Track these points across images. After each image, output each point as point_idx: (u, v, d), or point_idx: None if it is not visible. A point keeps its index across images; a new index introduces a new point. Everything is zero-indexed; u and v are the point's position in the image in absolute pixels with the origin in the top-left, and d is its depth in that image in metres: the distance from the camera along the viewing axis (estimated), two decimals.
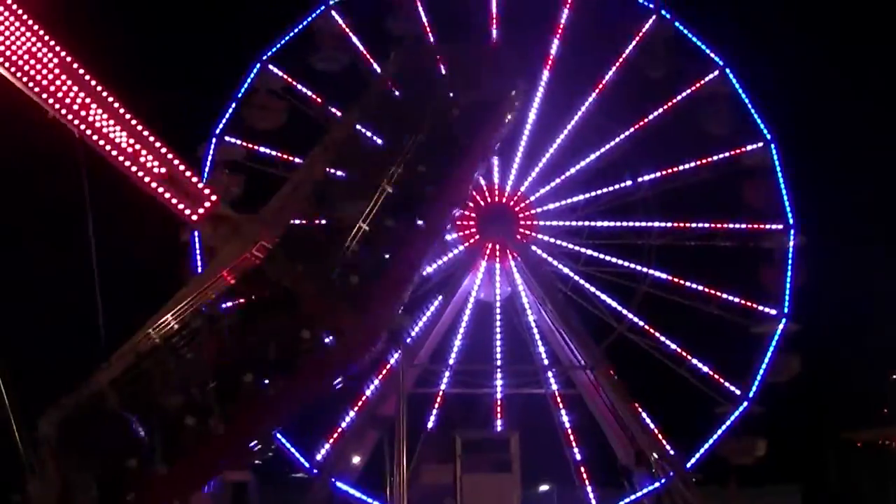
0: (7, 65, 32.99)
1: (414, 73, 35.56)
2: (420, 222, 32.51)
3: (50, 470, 30.00)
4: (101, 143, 32.67)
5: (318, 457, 47.25)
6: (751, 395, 48.45)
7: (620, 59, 51.44)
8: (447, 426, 47.53)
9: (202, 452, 30.12)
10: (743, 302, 50.02)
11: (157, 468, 29.66)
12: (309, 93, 50.85)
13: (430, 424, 48.65)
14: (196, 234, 48.31)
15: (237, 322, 31.43)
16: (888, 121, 56.65)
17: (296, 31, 50.70)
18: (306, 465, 46.90)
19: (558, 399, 49.68)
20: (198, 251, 48.34)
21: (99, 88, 33.09)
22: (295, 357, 30.54)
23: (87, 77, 33.10)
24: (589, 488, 48.15)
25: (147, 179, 32.51)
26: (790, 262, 49.48)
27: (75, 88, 32.95)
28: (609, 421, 49.02)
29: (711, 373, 49.47)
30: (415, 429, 42.89)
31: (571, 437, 48.82)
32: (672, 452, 47.73)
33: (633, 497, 47.86)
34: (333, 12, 50.87)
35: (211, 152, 49.24)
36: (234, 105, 49.86)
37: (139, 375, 30.96)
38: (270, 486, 46.25)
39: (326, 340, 30.92)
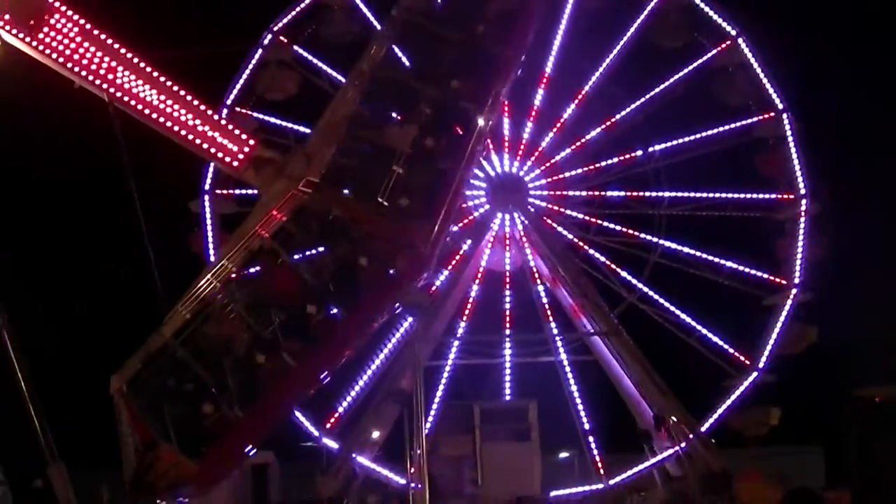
0: (28, 39, 33.68)
1: None
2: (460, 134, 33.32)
3: (125, 427, 31.05)
4: (133, 102, 33.63)
5: (327, 426, 47.90)
6: (761, 364, 48.95)
7: (633, 29, 51.73)
8: (464, 397, 48.18)
9: (275, 390, 31.38)
10: (755, 272, 50.53)
11: (233, 412, 30.92)
12: (320, 64, 51.50)
13: (438, 396, 49.04)
14: (206, 203, 49.37)
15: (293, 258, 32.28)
16: None
17: (305, 2, 51.18)
18: (315, 433, 47.50)
19: (566, 367, 50.30)
20: (209, 221, 49.20)
21: (122, 50, 33.87)
22: (355, 286, 31.39)
23: (109, 40, 33.76)
24: (597, 457, 48.82)
25: (183, 132, 33.26)
26: (802, 231, 49.77)
27: (99, 53, 33.91)
28: (626, 386, 49.66)
29: (722, 343, 50.04)
30: (432, 401, 43.75)
31: (580, 406, 49.53)
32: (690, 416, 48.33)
33: (653, 461, 48.52)
34: None
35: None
36: (244, 76, 50.49)
37: (205, 320, 31.91)
38: (291, 466, 47.10)
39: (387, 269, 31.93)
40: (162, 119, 33.44)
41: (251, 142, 33.76)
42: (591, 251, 52.31)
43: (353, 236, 31.95)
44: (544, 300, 51.79)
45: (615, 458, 49.80)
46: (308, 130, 49.04)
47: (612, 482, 48.57)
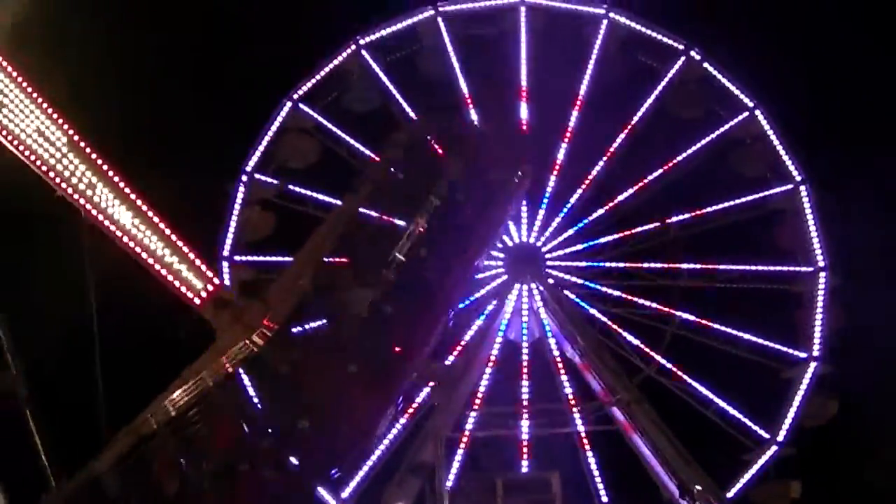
0: (16, 143, 34.15)
1: (417, 155, 36.28)
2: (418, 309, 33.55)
3: None
4: (106, 223, 33.81)
5: (344, 494, 47.91)
6: (780, 438, 49.05)
7: (650, 100, 52.59)
8: (483, 470, 47.87)
9: None
10: (773, 345, 50.66)
11: None
12: (340, 132, 52.07)
13: (457, 468, 48.95)
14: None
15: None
16: None
17: (325, 70, 52.02)
18: (333, 502, 47.46)
19: (584, 438, 50.31)
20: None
21: (105, 168, 34.42)
22: (287, 450, 31.29)
23: (94, 156, 34.30)
24: None
25: (151, 261, 33.57)
26: (821, 304, 50.05)
27: (82, 168, 34.50)
28: (649, 456, 49.49)
29: (741, 416, 50.06)
30: (452, 473, 43.81)
31: (598, 478, 49.45)
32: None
33: None
34: (364, 52, 52.13)
35: (241, 190, 50.29)
36: (264, 143, 51.08)
37: (139, 458, 31.97)
38: None
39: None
40: (132, 244, 33.97)
41: (215, 280, 33.92)
42: (609, 322, 52.36)
43: (298, 399, 31.90)
44: (562, 371, 51.76)
45: None
46: (328, 199, 50.18)
47: None
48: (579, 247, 53.06)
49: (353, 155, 51.55)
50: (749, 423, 50.05)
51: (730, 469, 49.28)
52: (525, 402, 51.80)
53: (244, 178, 50.57)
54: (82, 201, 33.83)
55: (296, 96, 51.55)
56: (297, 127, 51.27)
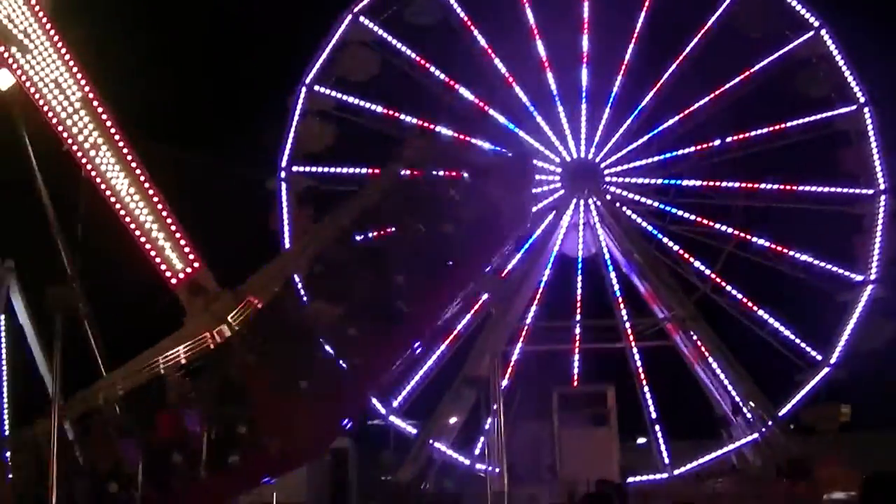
0: (32, 90, 34.22)
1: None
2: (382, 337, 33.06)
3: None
4: (103, 186, 33.80)
5: (395, 403, 48.71)
6: (833, 360, 49.34)
7: (715, 16, 52.25)
8: (541, 383, 48.27)
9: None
10: (830, 267, 50.75)
11: None
12: (400, 46, 52.10)
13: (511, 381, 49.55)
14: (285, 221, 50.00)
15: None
16: None
17: None
18: (382, 410, 48.48)
19: (635, 354, 50.77)
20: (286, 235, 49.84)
21: (113, 131, 34.10)
22: (225, 457, 31.47)
23: (105, 117, 34.09)
24: (663, 446, 49.29)
25: (137, 232, 33.50)
26: (881, 227, 49.98)
27: (91, 127, 34.12)
28: (702, 372, 50.11)
29: (794, 337, 50.35)
30: (521, 386, 44.52)
31: (647, 393, 50.00)
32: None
33: (731, 447, 49.18)
34: None
35: (300, 102, 50.59)
36: (324, 56, 51.22)
37: (84, 432, 32.87)
38: (369, 451, 47.92)
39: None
40: (123, 212, 33.62)
41: (195, 264, 33.55)
42: (665, 240, 52.66)
43: (242, 404, 31.90)
44: (616, 287, 52.27)
45: (692, 443, 50.41)
46: (386, 112, 50.41)
47: (676, 472, 49.03)
48: (639, 163, 53.09)
49: (412, 68, 51.67)
50: (802, 345, 50.33)
51: (781, 390, 49.68)
52: (578, 317, 52.52)
53: (303, 90, 50.77)
54: (84, 160, 33.78)
55: (357, 9, 51.56)
56: (357, 40, 51.38)
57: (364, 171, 50.45)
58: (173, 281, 33.09)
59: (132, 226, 33.50)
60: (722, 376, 49.14)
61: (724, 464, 49.48)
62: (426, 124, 51.62)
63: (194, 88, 55.20)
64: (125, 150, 34.06)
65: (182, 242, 33.42)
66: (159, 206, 33.69)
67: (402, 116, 51.58)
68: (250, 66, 52.32)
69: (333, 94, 51.20)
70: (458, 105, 52.20)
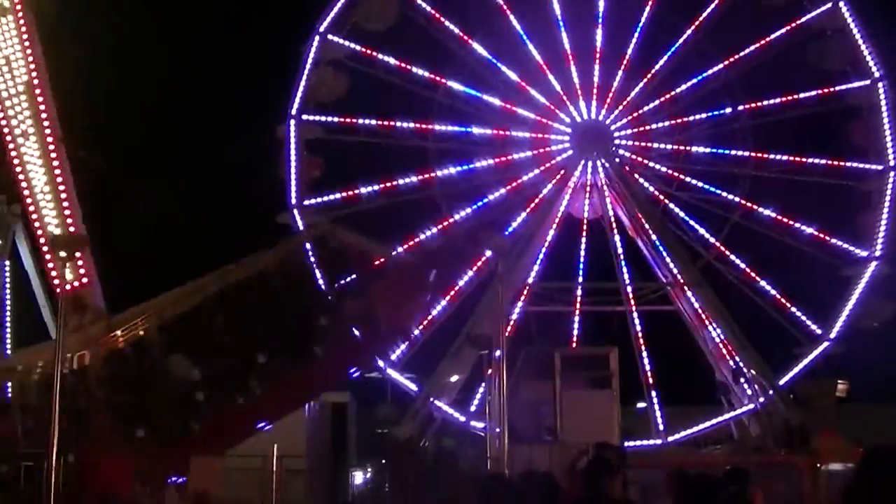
0: None
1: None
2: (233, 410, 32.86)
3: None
4: (21, 177, 33.48)
5: (393, 357, 48.84)
6: (832, 335, 49.66)
7: None
8: (541, 344, 48.02)
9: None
10: (835, 241, 50.99)
11: None
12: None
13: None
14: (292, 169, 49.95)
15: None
16: None
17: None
18: (381, 364, 48.22)
19: (637, 319, 50.96)
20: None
21: (46, 125, 33.75)
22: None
23: (43, 108, 33.77)
24: (658, 413, 49.66)
25: (39, 232, 33.28)
26: (888, 204, 50.15)
27: (26, 114, 33.81)
28: (706, 338, 50.33)
29: (795, 310, 50.60)
30: (519, 347, 44.13)
31: (645, 358, 50.31)
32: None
33: (731, 414, 49.43)
34: None
35: (313, 50, 50.35)
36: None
37: None
38: (368, 406, 48.05)
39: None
40: (32, 208, 33.74)
41: (85, 279, 33.19)
42: (672, 206, 52.82)
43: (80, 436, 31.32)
44: (620, 250, 52.32)
45: (691, 409, 50.85)
46: (397, 63, 50.32)
47: (670, 439, 49.43)
48: (648, 127, 53.19)
49: (428, 20, 51.47)
50: (803, 318, 50.63)
51: (780, 362, 50.00)
52: (581, 279, 52.70)
53: (317, 38, 50.59)
54: (11, 146, 33.59)
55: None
56: (328, 59, 50.81)
57: (374, 122, 50.56)
58: (58, 288, 31.62)
59: (36, 224, 33.53)
60: (724, 343, 49.29)
61: (723, 431, 49.88)
62: (438, 78, 51.68)
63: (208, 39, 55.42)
64: (52, 148, 33.72)
65: (78, 255, 31.92)
66: (67, 213, 33.39)
67: (415, 69, 51.56)
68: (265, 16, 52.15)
69: (347, 43, 50.94)
70: (470, 59, 52.08)
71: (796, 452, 42.48)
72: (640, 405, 51.22)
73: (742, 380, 48.63)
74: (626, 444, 42.26)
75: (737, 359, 48.82)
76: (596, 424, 39.90)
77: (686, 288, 50.36)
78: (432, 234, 50.41)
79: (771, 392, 48.02)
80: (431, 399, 48.32)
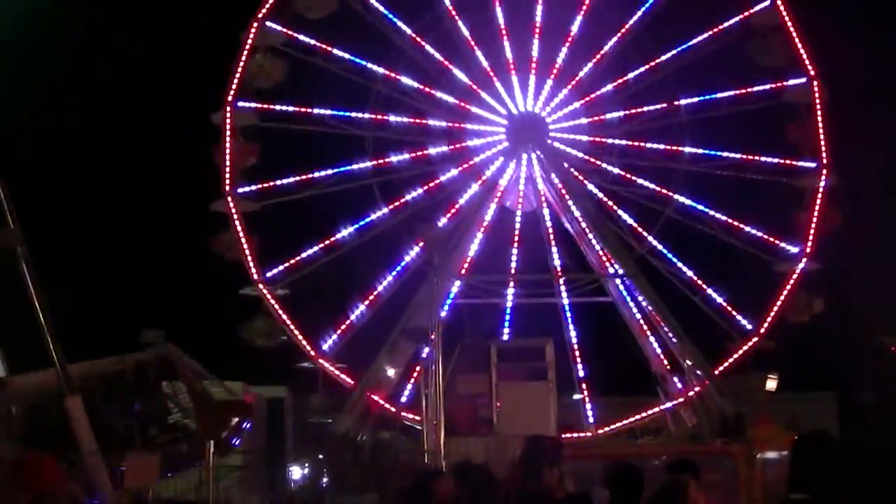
0: None
1: None
2: None
3: None
4: None
5: (325, 346, 49.32)
6: (762, 331, 50.63)
7: None
8: (474, 335, 49.09)
9: None
10: (768, 238, 51.84)
11: None
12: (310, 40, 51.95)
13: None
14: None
15: None
16: None
17: None
18: (312, 353, 49.09)
19: (567, 311, 51.95)
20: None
21: None
22: None
23: None
24: (588, 403, 50.63)
25: None
26: (820, 202, 50.97)
27: None
28: (641, 329, 51.25)
29: (726, 305, 51.49)
30: (452, 340, 44.43)
31: (576, 350, 51.16)
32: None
33: (668, 405, 50.57)
34: None
35: (251, 38, 50.42)
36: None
37: None
38: (305, 401, 48.58)
39: None
40: None
41: None
42: (606, 199, 53.60)
43: None
44: (553, 242, 53.19)
45: (628, 400, 51.88)
46: (340, 53, 50.65)
47: (600, 432, 50.29)
48: (584, 120, 53.90)
49: (369, 10, 51.85)
50: (734, 313, 51.53)
51: (712, 356, 50.56)
52: (513, 271, 53.25)
53: (255, 24, 50.72)
54: None
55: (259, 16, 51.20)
56: (265, 46, 50.95)
57: (311, 109, 50.94)
58: None
59: None
60: (660, 333, 50.26)
61: (660, 421, 50.78)
62: (381, 69, 52.18)
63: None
64: None
65: None
66: None
67: (353, 58, 51.94)
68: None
69: (286, 30, 51.05)
70: (417, 55, 52.47)
71: (732, 441, 43.29)
72: (578, 396, 51.78)
73: (679, 370, 49.68)
74: (562, 435, 43.02)
75: (673, 349, 49.78)
76: (532, 416, 40.55)
77: (622, 279, 51.19)
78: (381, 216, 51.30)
79: (707, 382, 48.84)
80: (368, 392, 48.66)
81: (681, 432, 49.03)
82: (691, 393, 49.06)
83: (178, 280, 55.49)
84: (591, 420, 50.66)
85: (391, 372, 48.58)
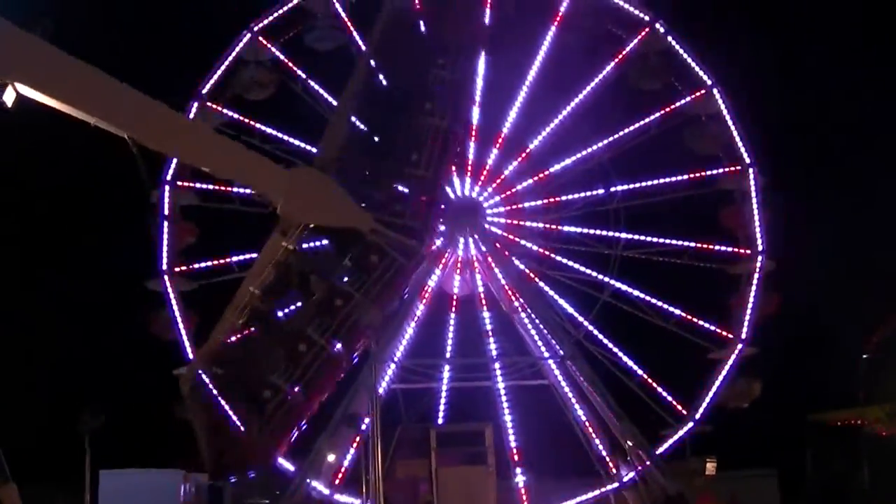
0: None
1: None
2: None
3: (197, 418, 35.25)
4: None
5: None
6: (697, 416, 51.93)
7: (609, 67, 54.36)
8: (411, 421, 50.37)
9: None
10: (703, 323, 53.24)
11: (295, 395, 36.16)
12: (297, 70, 53.82)
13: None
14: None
15: None
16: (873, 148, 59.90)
17: (289, 4, 53.36)
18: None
19: (503, 395, 52.39)
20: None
21: None
22: None
23: None
24: (522, 487, 50.76)
25: None
26: (755, 288, 52.48)
27: None
28: (579, 412, 52.36)
29: (661, 390, 52.92)
30: (390, 424, 45.81)
31: (511, 431, 51.34)
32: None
33: (611, 486, 51.49)
34: None
35: (192, 115, 51.36)
36: (219, 72, 52.59)
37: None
38: (245, 488, 49.18)
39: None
40: None
41: None
42: (542, 284, 54.82)
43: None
44: (489, 325, 54.25)
45: (571, 482, 52.60)
46: (276, 133, 51.96)
47: None
48: (520, 206, 55.19)
49: (308, 94, 53.43)
50: (669, 398, 52.89)
51: (649, 441, 51.78)
52: (448, 356, 54.26)
53: (195, 103, 52.13)
54: None
55: (256, 28, 53.06)
56: (255, 59, 52.87)
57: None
58: None
59: None
60: (600, 415, 51.49)
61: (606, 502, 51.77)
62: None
63: None
64: None
65: None
66: None
67: (291, 139, 53.44)
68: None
69: (225, 110, 52.71)
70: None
71: None
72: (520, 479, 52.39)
73: (620, 452, 50.97)
74: None
75: (614, 430, 51.07)
76: (473, 500, 41.50)
77: (560, 361, 52.50)
78: None
79: (648, 462, 50.14)
80: (308, 480, 49.05)
81: None
82: (633, 473, 50.30)
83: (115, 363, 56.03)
84: None
85: (331, 458, 48.91)
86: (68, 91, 26.55)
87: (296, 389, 36.45)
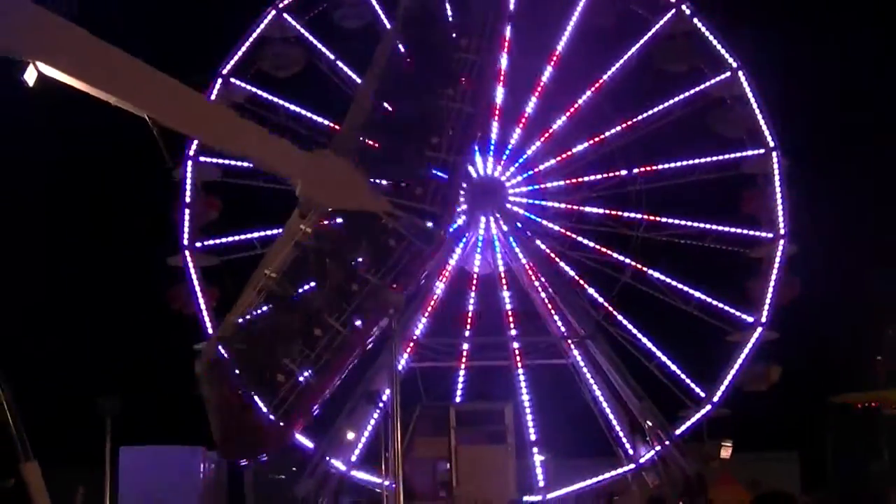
0: None
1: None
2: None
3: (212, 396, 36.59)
4: None
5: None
6: (715, 399, 52.48)
7: (635, 48, 55.13)
8: (431, 399, 51.03)
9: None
10: (723, 306, 53.80)
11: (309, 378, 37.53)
12: (321, 47, 54.41)
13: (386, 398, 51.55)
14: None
15: None
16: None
17: None
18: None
19: (519, 370, 53.36)
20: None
21: None
22: None
23: None
24: (540, 469, 51.59)
25: None
26: (776, 272, 52.97)
27: None
28: (599, 392, 53.01)
29: (680, 373, 53.52)
30: (408, 403, 46.25)
31: (528, 412, 52.17)
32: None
33: (629, 467, 52.18)
34: None
35: (215, 93, 52.35)
36: (243, 48, 53.39)
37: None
38: (266, 468, 49.79)
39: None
40: None
41: None
42: (563, 264, 55.48)
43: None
44: (508, 305, 54.92)
45: (590, 461, 53.32)
46: (301, 111, 52.58)
47: (549, 496, 51.56)
48: (542, 186, 55.86)
49: (333, 72, 54.19)
50: (688, 381, 53.48)
51: (669, 420, 52.59)
52: (467, 334, 55.04)
53: (219, 80, 52.89)
54: None
55: (281, 5, 53.77)
56: (280, 36, 53.61)
57: None
58: None
59: None
60: (621, 394, 52.22)
61: (622, 483, 52.45)
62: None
63: None
64: None
65: None
66: None
67: (316, 117, 54.13)
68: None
69: (249, 87, 53.57)
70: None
71: (694, 501, 44.85)
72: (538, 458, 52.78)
73: (639, 431, 51.64)
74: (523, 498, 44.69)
75: (633, 410, 51.77)
76: (492, 479, 42.19)
77: (579, 342, 53.20)
78: None
79: (668, 442, 50.86)
80: (328, 457, 49.92)
81: (643, 493, 50.74)
82: (653, 453, 51.04)
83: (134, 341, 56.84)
84: (541, 483, 51.55)
85: (351, 436, 49.59)
86: (92, 73, 26.88)
87: (309, 374, 37.45)
